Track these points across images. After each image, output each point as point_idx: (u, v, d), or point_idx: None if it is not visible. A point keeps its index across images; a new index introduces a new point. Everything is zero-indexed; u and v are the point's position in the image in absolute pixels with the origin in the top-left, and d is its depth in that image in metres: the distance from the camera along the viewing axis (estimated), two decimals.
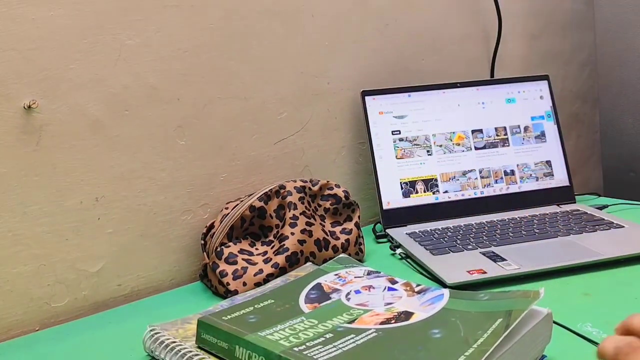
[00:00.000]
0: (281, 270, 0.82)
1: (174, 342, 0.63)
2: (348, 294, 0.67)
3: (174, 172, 0.91)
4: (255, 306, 0.65)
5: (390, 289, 0.68)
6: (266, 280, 0.81)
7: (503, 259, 0.85)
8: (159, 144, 0.89)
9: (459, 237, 0.96)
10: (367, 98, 1.09)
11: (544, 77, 1.18)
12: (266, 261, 0.84)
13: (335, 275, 0.72)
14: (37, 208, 0.79)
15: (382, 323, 0.60)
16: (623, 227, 0.95)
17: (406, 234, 1.00)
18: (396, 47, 1.17)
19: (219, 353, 0.60)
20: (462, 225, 1.02)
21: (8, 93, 0.76)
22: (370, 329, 0.59)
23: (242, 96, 0.98)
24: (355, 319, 0.61)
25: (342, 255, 0.80)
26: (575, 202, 1.12)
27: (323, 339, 0.57)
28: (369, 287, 0.69)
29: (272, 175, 1.02)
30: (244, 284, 0.81)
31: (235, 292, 0.81)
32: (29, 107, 0.77)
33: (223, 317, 0.62)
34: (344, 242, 0.89)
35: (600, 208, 1.08)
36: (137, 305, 0.85)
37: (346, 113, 1.11)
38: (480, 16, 1.29)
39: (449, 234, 0.98)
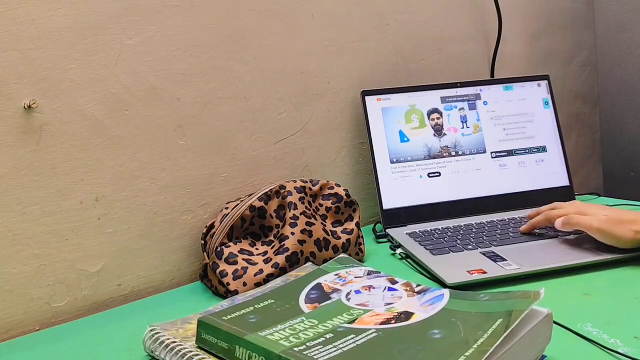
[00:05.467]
0: (281, 270, 0.82)
1: (174, 342, 0.63)
2: (348, 294, 0.67)
3: (174, 172, 0.91)
4: (256, 306, 0.65)
5: (390, 289, 0.68)
6: (266, 280, 0.81)
7: (503, 259, 0.85)
8: (159, 144, 0.89)
9: (459, 237, 0.96)
10: (367, 98, 1.09)
11: (544, 77, 1.18)
12: (266, 261, 0.84)
13: (336, 275, 0.72)
14: (37, 208, 0.79)
15: (382, 323, 0.60)
16: None
17: (406, 234, 1.00)
18: (396, 47, 1.17)
19: (219, 353, 0.60)
20: (462, 225, 1.02)
21: (8, 93, 0.76)
22: (370, 329, 0.59)
23: (242, 96, 0.98)
24: (356, 319, 0.61)
25: (342, 255, 0.80)
26: None
27: (323, 339, 0.57)
28: (369, 287, 0.69)
29: (272, 175, 1.02)
30: (244, 284, 0.81)
31: (235, 292, 0.81)
32: (29, 107, 0.78)
33: (223, 317, 0.62)
34: (344, 242, 0.89)
35: None
36: (137, 305, 0.85)
37: (346, 113, 1.11)
38: (480, 16, 1.29)
39: (449, 234, 0.98)
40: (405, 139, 1.09)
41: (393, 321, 0.60)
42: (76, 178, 0.82)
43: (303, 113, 1.05)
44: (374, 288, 0.68)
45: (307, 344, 0.56)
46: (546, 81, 1.17)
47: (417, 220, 1.06)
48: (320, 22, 1.06)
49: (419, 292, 0.66)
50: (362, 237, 0.94)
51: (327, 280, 0.71)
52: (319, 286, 0.70)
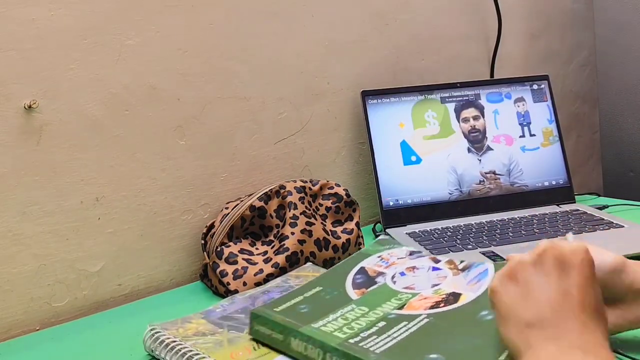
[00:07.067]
0: (281, 270, 0.82)
1: (174, 341, 0.63)
2: (393, 276, 0.67)
3: (174, 172, 0.91)
4: (305, 295, 0.65)
5: (434, 268, 0.68)
6: (266, 280, 0.81)
7: (503, 259, 0.85)
8: (159, 144, 0.89)
9: (458, 237, 0.96)
10: (367, 98, 1.09)
11: (544, 77, 1.18)
12: (266, 261, 0.84)
13: (378, 257, 0.72)
14: (37, 208, 0.79)
15: (431, 307, 0.60)
16: (623, 227, 0.95)
17: (406, 234, 1.00)
18: (396, 47, 1.17)
19: (273, 344, 0.61)
20: (462, 225, 1.02)
21: (8, 93, 0.76)
22: (421, 314, 0.59)
23: (242, 96, 0.98)
24: (405, 304, 0.61)
25: (382, 236, 0.79)
26: (575, 202, 1.12)
27: (376, 328, 0.58)
28: (413, 269, 0.68)
29: (272, 175, 1.02)
30: (244, 283, 0.81)
31: (236, 292, 0.80)
32: (29, 107, 0.78)
33: (275, 309, 0.63)
34: (344, 241, 0.89)
35: (600, 208, 1.08)
36: (137, 305, 0.85)
37: (346, 113, 1.11)
38: (480, 16, 1.29)
39: (449, 234, 0.98)
40: (414, 157, 1.08)
41: (442, 304, 0.60)
42: (76, 178, 0.82)
43: (303, 113, 1.05)
44: (417, 269, 0.68)
45: (361, 334, 0.57)
46: (546, 81, 1.17)
47: (417, 220, 1.06)
48: (320, 22, 1.06)
49: (463, 270, 0.66)
50: (362, 237, 0.94)
51: (370, 263, 0.71)
52: (363, 270, 0.69)
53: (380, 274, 0.68)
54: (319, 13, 1.06)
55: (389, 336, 0.56)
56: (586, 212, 1.04)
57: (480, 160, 1.11)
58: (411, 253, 0.72)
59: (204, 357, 0.60)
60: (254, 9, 0.98)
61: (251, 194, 0.89)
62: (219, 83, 0.95)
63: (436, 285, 0.64)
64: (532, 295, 0.48)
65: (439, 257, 0.70)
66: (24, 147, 0.78)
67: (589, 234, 0.93)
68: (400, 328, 0.57)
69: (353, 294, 0.65)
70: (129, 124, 0.86)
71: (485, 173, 1.11)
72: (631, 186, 1.35)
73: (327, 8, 1.07)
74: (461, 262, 0.68)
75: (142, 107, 0.88)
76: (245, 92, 0.98)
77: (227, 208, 0.89)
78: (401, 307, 0.61)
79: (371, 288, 0.66)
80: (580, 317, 0.46)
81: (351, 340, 0.56)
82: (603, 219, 0.99)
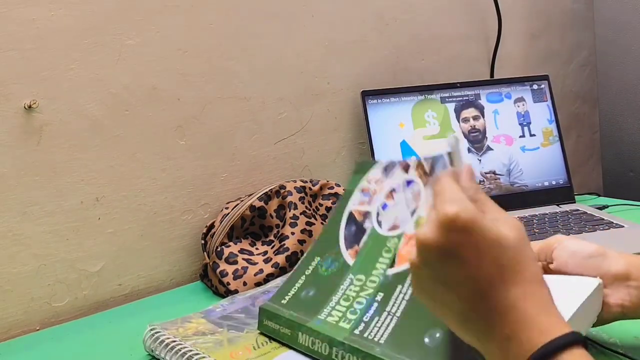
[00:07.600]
0: (281, 270, 0.82)
1: (174, 341, 0.63)
2: (378, 215, 0.65)
3: (174, 172, 0.91)
4: (306, 273, 0.66)
5: (408, 183, 0.64)
6: (266, 280, 0.81)
7: None
8: (159, 144, 0.90)
9: None
10: (367, 98, 1.09)
11: (544, 77, 1.18)
12: (266, 261, 0.84)
13: (361, 192, 0.69)
14: (37, 208, 0.79)
15: None
16: (623, 227, 0.95)
17: None
18: (396, 47, 1.17)
19: (281, 339, 0.62)
20: None
21: (8, 93, 0.76)
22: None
23: (242, 96, 0.98)
24: (395, 257, 0.60)
25: (360, 160, 0.74)
26: (575, 202, 1.12)
27: (376, 304, 0.58)
28: (392, 194, 0.65)
29: (272, 175, 1.02)
30: (244, 283, 0.81)
31: (236, 292, 0.80)
32: (29, 107, 0.78)
33: (282, 301, 0.63)
34: None
35: (600, 208, 1.08)
36: (137, 304, 0.85)
37: (346, 113, 1.11)
38: (480, 16, 1.29)
39: None
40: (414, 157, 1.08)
41: None
42: (76, 178, 0.82)
43: (303, 113, 1.05)
44: (395, 192, 0.65)
45: (364, 319, 0.58)
46: (546, 81, 1.17)
47: None
48: (320, 22, 1.06)
49: (430, 174, 0.61)
50: None
51: (355, 204, 0.68)
52: (351, 218, 0.67)
53: (366, 214, 0.66)
54: (319, 13, 1.06)
55: (389, 314, 0.57)
56: (586, 212, 1.04)
57: (480, 160, 1.11)
58: (385, 169, 0.68)
59: (203, 357, 0.60)
60: (254, 9, 0.98)
61: (251, 194, 0.89)
62: (219, 83, 0.95)
63: (414, 212, 0.61)
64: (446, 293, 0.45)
65: (408, 162, 0.65)
66: (24, 147, 0.78)
67: (589, 234, 0.93)
68: (397, 298, 0.58)
69: (348, 257, 0.64)
70: (129, 124, 0.86)
71: (485, 173, 1.11)
72: (631, 186, 1.35)
73: (327, 8, 1.07)
74: (426, 159, 0.61)
75: (142, 107, 0.88)
76: (245, 92, 0.98)
77: (227, 208, 0.89)
78: (392, 263, 0.60)
79: (362, 241, 0.64)
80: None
81: (356, 331, 0.57)
82: (603, 219, 0.99)
